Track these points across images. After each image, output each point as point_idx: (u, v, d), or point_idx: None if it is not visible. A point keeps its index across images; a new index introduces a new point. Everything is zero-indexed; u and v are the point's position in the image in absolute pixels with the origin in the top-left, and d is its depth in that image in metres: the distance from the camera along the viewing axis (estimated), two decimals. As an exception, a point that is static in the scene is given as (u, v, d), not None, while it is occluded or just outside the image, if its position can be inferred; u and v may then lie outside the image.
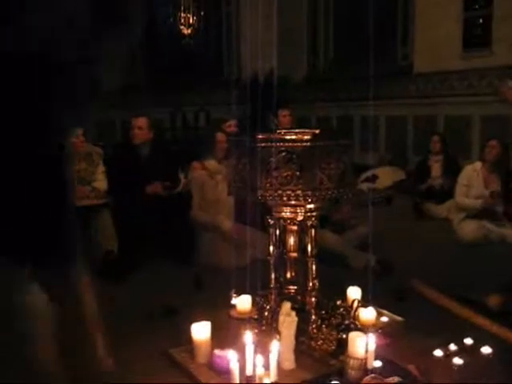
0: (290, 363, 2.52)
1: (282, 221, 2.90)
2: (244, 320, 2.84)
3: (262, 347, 2.44)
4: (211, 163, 4.46)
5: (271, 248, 2.91)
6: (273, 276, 2.92)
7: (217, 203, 4.40)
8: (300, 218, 2.84)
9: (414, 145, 8.33)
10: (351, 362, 2.37)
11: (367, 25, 7.26)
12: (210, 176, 4.41)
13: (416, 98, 8.23)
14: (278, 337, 2.53)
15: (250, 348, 2.37)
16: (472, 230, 4.78)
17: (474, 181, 5.00)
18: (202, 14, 10.33)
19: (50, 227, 1.02)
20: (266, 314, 2.86)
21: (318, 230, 2.90)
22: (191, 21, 9.87)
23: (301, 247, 2.94)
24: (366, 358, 2.39)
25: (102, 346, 1.07)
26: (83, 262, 1.11)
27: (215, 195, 4.39)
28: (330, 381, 2.36)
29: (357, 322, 2.78)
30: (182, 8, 9.79)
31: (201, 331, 2.58)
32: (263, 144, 2.64)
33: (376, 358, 2.45)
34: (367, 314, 2.82)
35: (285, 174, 2.61)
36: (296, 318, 2.56)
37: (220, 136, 4.43)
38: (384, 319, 2.98)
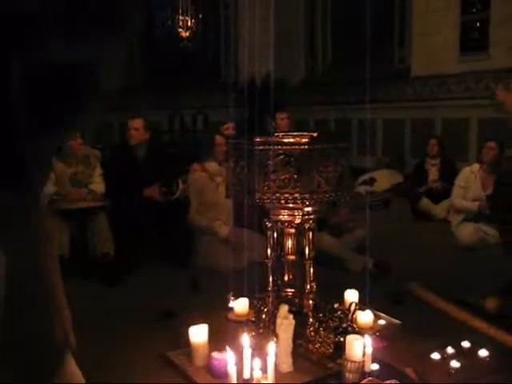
0: (287, 366, 2.52)
1: (279, 224, 2.90)
2: (241, 323, 2.84)
3: (259, 350, 2.44)
4: (211, 165, 4.46)
5: (269, 251, 2.91)
6: (270, 279, 2.92)
7: (216, 206, 4.39)
8: (298, 220, 2.84)
9: (411, 148, 8.34)
10: (349, 364, 2.37)
11: (365, 28, 7.29)
12: (210, 178, 4.41)
13: (413, 101, 8.24)
14: (275, 339, 2.53)
15: (247, 351, 2.37)
16: (469, 233, 4.78)
17: (471, 183, 5.00)
18: (201, 16, 10.36)
19: None
20: (264, 316, 2.86)
21: (316, 233, 2.90)
22: (189, 24, 9.89)
23: (298, 250, 2.94)
24: (363, 361, 2.39)
25: (62, 317, 0.99)
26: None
27: (215, 197, 4.38)
28: (328, 384, 2.36)
29: (354, 325, 2.78)
30: (181, 11, 9.81)
31: (198, 334, 2.58)
32: (261, 147, 2.64)
33: (373, 361, 2.45)
34: (365, 317, 2.83)
35: (282, 177, 2.61)
36: (293, 321, 2.56)
37: (219, 139, 4.44)
38: (381, 322, 2.98)
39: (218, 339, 2.63)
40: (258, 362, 2.32)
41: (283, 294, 2.97)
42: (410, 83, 8.26)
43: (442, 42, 7.60)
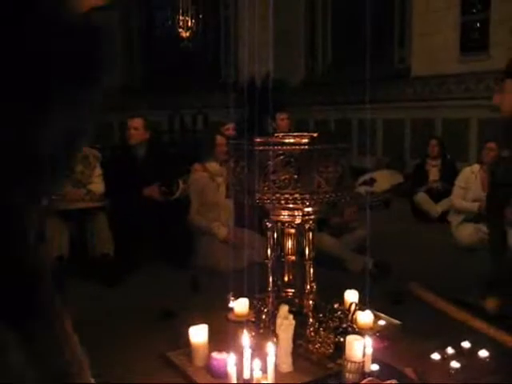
0: (287, 366, 2.52)
1: (279, 224, 2.90)
2: (241, 323, 2.84)
3: (259, 350, 2.44)
4: (213, 165, 4.45)
5: (269, 251, 2.91)
6: (270, 279, 2.92)
7: (216, 206, 4.39)
8: (298, 221, 2.84)
9: (411, 148, 8.34)
10: (349, 365, 2.37)
11: (365, 28, 7.28)
12: (211, 178, 4.41)
13: (413, 101, 8.24)
14: (275, 340, 2.53)
15: (247, 351, 2.37)
16: (469, 233, 4.78)
17: (471, 183, 4.99)
18: (201, 17, 10.36)
19: None
20: (264, 317, 2.86)
21: (316, 233, 2.90)
22: (190, 24, 9.89)
23: (298, 250, 2.94)
24: (363, 362, 2.39)
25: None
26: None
27: (215, 198, 4.38)
28: (328, 384, 2.36)
29: (354, 325, 2.78)
30: (181, 11, 9.81)
31: (198, 334, 2.58)
32: (261, 147, 2.64)
33: (373, 362, 2.45)
34: (365, 317, 2.83)
35: (283, 178, 2.61)
36: (293, 321, 2.56)
37: (220, 139, 4.43)
38: (381, 322, 2.98)
39: (218, 339, 2.63)
40: (257, 362, 2.32)
41: (283, 294, 2.97)
42: (410, 83, 8.26)
43: (442, 42, 7.59)
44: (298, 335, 2.63)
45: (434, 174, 6.37)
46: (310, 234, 2.82)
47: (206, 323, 2.64)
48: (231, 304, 3.03)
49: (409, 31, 8.30)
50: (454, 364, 2.55)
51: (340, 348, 2.54)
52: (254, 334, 2.70)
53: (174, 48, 10.23)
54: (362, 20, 7.64)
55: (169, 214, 4.45)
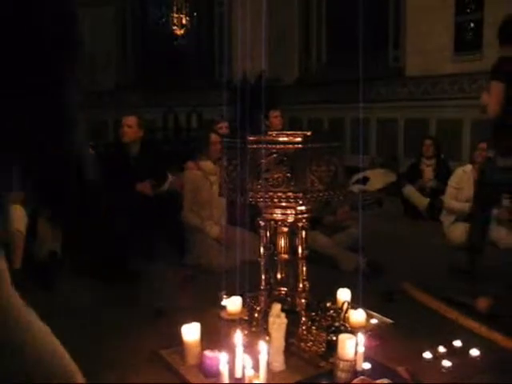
0: (279, 365, 2.52)
1: (272, 222, 2.90)
2: (234, 321, 2.84)
3: (251, 348, 2.44)
4: (206, 164, 4.45)
5: (262, 249, 2.91)
6: (263, 277, 2.92)
7: (210, 204, 4.39)
8: (291, 219, 2.84)
9: (405, 147, 8.36)
10: (341, 363, 2.37)
11: (359, 28, 7.28)
12: (204, 176, 4.40)
13: (407, 100, 8.26)
14: (267, 338, 2.53)
15: (239, 349, 2.37)
16: (461, 233, 4.79)
17: (464, 183, 5.01)
18: (195, 14, 10.33)
19: None
20: (256, 315, 2.86)
21: (309, 232, 2.90)
22: (184, 21, 9.86)
23: (291, 249, 2.94)
24: (355, 360, 2.40)
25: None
26: None
27: (209, 196, 4.38)
28: (320, 382, 2.36)
29: (346, 324, 2.78)
30: (175, 8, 9.78)
31: (191, 332, 2.58)
32: (254, 146, 2.64)
33: (365, 360, 2.46)
34: (357, 316, 2.83)
35: (276, 176, 2.61)
36: (286, 320, 2.56)
37: (214, 137, 4.43)
38: (374, 321, 2.99)
39: (211, 338, 2.63)
40: (249, 360, 2.32)
41: (276, 292, 2.97)
42: (405, 83, 8.27)
43: (436, 42, 7.61)
44: (291, 334, 2.63)
45: (428, 173, 6.39)
46: (303, 233, 2.82)
47: (198, 321, 2.63)
48: (224, 302, 3.03)
49: (403, 31, 8.31)
50: (446, 363, 2.56)
51: (332, 346, 2.54)
52: (246, 332, 2.70)
53: (169, 46, 10.21)
54: (357, 19, 7.64)
55: (162, 211, 4.43)
